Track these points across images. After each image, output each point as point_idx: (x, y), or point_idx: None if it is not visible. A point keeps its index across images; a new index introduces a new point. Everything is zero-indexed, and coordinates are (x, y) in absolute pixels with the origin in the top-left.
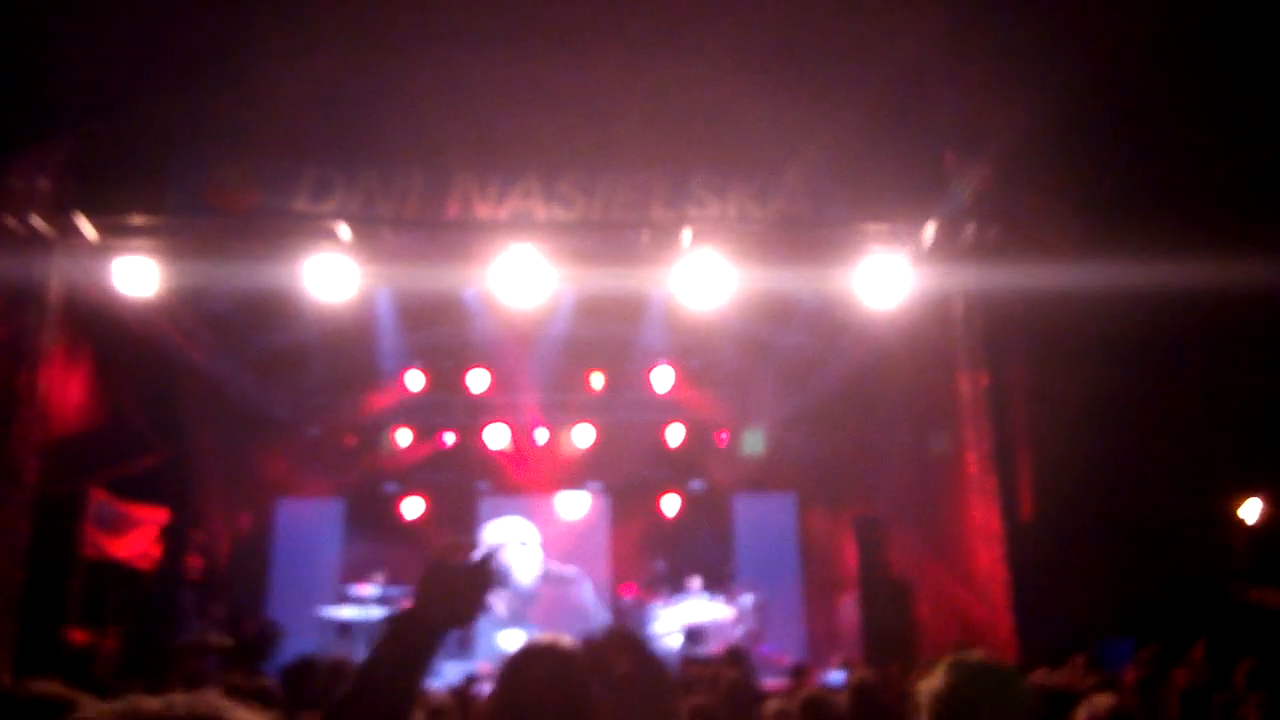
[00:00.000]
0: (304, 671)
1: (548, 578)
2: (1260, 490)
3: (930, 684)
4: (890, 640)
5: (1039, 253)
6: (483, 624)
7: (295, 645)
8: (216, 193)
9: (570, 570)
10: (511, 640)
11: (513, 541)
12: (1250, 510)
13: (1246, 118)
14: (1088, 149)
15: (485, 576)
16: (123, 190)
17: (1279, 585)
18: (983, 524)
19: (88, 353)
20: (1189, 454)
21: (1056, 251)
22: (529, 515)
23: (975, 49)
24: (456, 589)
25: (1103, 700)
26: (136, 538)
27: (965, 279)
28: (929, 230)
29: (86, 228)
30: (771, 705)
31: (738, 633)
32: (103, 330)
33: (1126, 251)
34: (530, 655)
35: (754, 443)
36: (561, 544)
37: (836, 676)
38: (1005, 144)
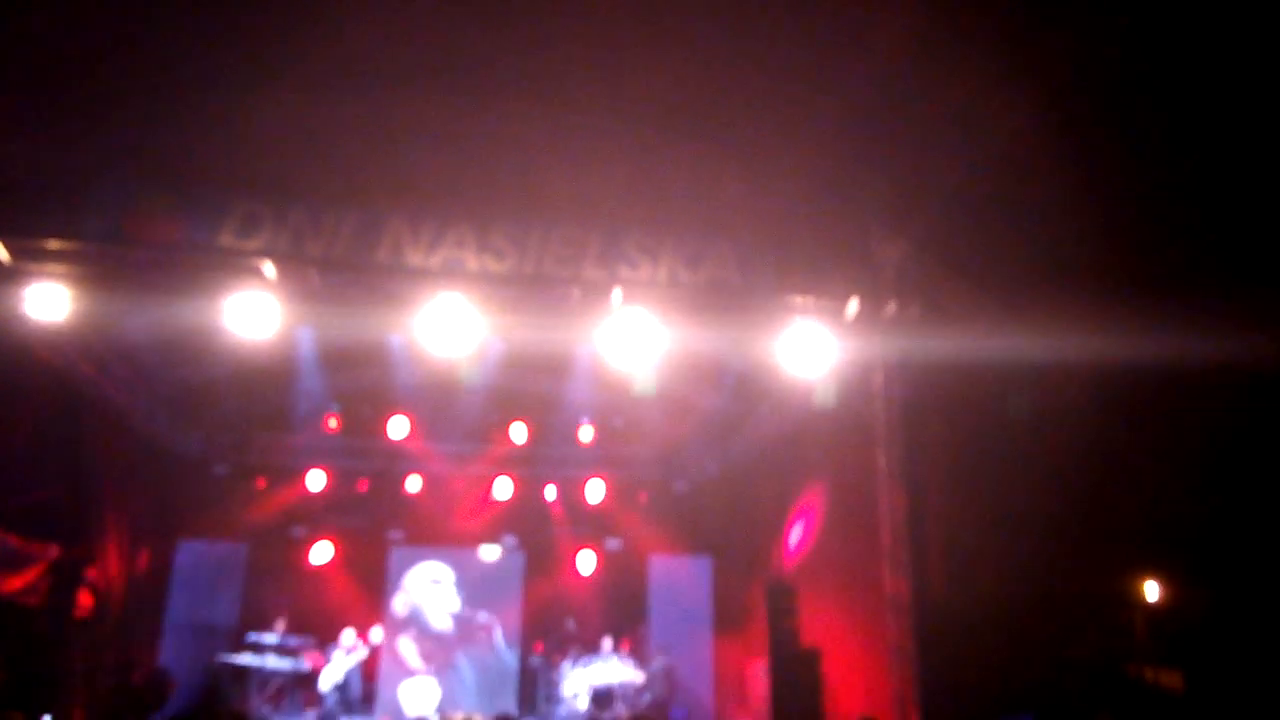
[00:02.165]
0: None
1: (459, 620)
2: (1160, 571)
3: None
4: (797, 710)
5: (958, 329)
6: (388, 675)
7: (189, 693)
8: (138, 222)
9: (482, 615)
10: (413, 692)
11: (427, 582)
12: (1150, 592)
13: (1161, 196)
14: (1004, 227)
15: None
16: (39, 213)
17: (1176, 667)
18: (893, 595)
19: None
20: (1095, 532)
21: (974, 328)
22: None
23: (896, 129)
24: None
25: None
26: (26, 573)
27: (886, 352)
28: (853, 304)
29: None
30: None
31: (645, 698)
32: (5, 355)
33: (1043, 329)
34: None
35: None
36: (474, 594)
37: None
38: (926, 222)
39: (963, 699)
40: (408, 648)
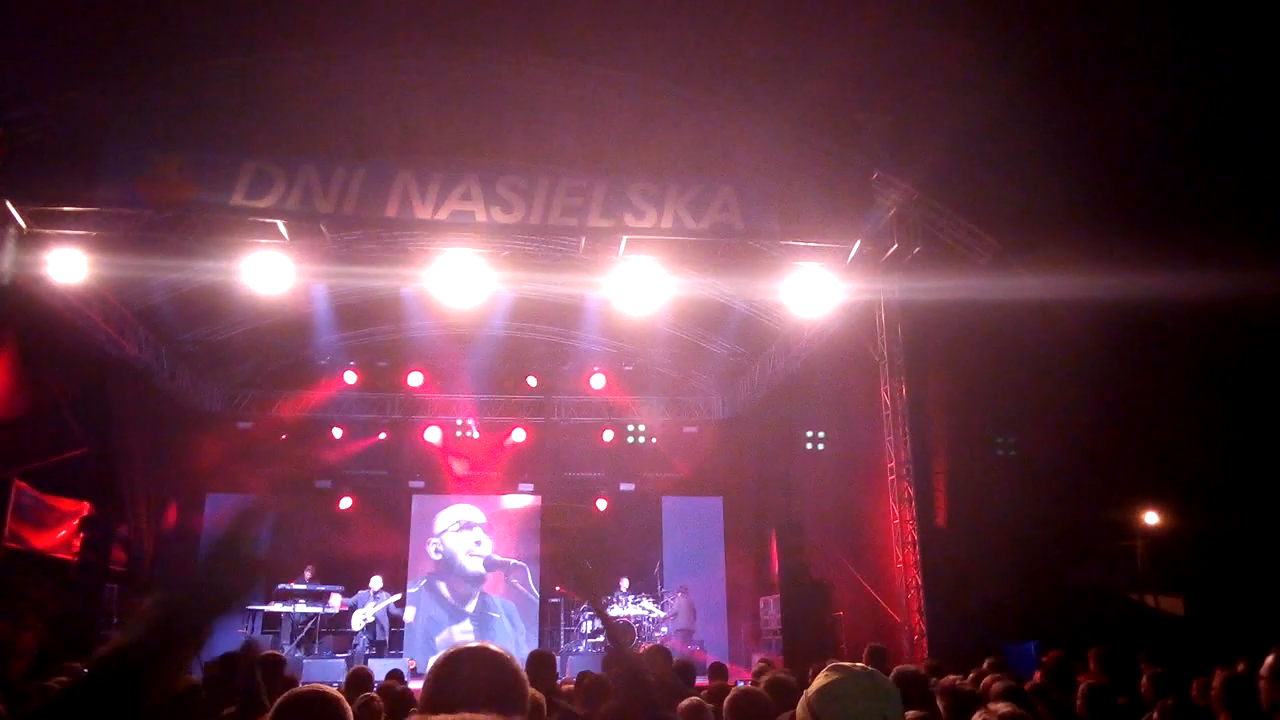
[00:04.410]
0: (230, 667)
1: (490, 564)
2: (1158, 502)
3: (810, 688)
4: (809, 641)
5: (958, 268)
6: (418, 619)
7: (221, 640)
8: (151, 185)
9: (511, 560)
10: (451, 636)
11: (458, 527)
12: (1149, 520)
13: (1156, 139)
14: (1003, 169)
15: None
16: (54, 180)
17: (1177, 592)
18: (899, 529)
19: (13, 342)
20: (1094, 464)
21: (974, 267)
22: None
23: (898, 75)
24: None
25: (999, 709)
26: (59, 530)
27: (889, 292)
28: (855, 246)
29: (16, 216)
30: (684, 704)
31: (664, 631)
32: (30, 320)
33: (1040, 267)
34: (460, 654)
35: None
36: (498, 540)
37: None
38: (927, 165)
39: (968, 628)
40: (439, 592)
